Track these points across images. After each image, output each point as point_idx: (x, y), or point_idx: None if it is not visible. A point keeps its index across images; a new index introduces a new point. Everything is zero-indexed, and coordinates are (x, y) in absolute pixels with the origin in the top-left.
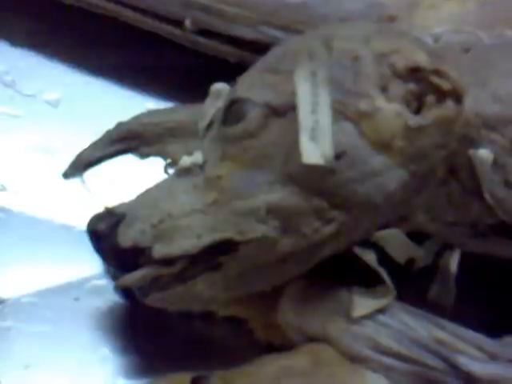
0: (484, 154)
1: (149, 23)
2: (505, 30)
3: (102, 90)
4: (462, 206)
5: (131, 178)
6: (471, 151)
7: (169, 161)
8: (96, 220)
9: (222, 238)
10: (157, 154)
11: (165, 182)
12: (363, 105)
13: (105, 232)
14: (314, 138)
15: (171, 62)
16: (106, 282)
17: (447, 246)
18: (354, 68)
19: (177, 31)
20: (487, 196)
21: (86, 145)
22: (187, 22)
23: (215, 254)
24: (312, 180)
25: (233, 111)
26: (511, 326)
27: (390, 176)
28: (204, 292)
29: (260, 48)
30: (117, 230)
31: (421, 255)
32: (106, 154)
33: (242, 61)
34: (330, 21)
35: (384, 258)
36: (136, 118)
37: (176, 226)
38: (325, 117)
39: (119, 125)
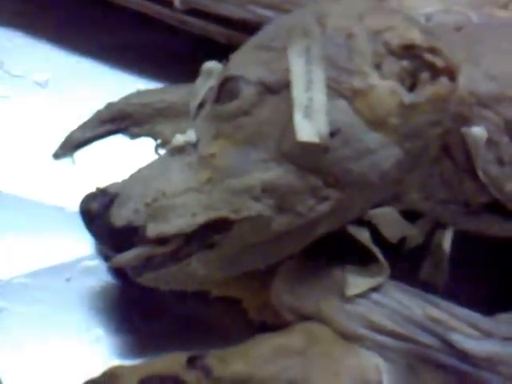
0: (477, 131)
1: (138, 3)
2: (493, 11)
3: (92, 71)
4: (455, 184)
5: (121, 159)
6: (465, 129)
7: (159, 141)
8: (89, 200)
9: (216, 217)
10: (147, 134)
11: (158, 160)
12: (357, 82)
13: (98, 211)
14: (308, 115)
15: (161, 42)
16: (98, 263)
17: (440, 225)
18: (348, 45)
19: (166, 11)
20: (480, 174)
21: (76, 125)
22: (177, 2)
23: (209, 233)
24: (306, 158)
25: (226, 89)
26: (505, 303)
27: (384, 154)
28: (198, 271)
29: (249, 27)
30: (110, 209)
31: (413, 234)
32: (96, 135)
33: (232, 40)
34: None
35: (377, 236)
36: (126, 99)
37: (170, 205)
38: (319, 94)
39: (109, 105)
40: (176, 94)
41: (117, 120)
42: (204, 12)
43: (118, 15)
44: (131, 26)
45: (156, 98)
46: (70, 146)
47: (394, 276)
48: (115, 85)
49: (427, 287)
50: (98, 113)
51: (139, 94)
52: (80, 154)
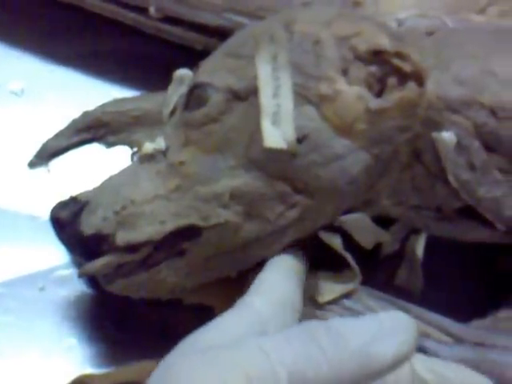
0: (447, 136)
1: (114, 11)
2: (470, 15)
3: (67, 79)
4: (426, 189)
5: (97, 168)
6: (434, 134)
7: (135, 149)
8: (59, 208)
9: (185, 224)
10: (123, 142)
11: (128, 168)
12: (324, 88)
13: (67, 219)
14: (275, 121)
15: (137, 50)
16: (72, 272)
17: (414, 231)
18: (315, 51)
19: (142, 18)
20: (451, 179)
21: (52, 134)
22: (152, 9)
23: (179, 241)
24: (275, 164)
25: (195, 96)
26: (480, 310)
27: (352, 160)
28: (168, 279)
29: (225, 35)
30: (80, 217)
31: (387, 240)
32: (72, 144)
33: (208, 48)
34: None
35: (353, 244)
36: (102, 107)
37: (139, 213)
38: (286, 100)
39: (85, 114)
40: (152, 101)
41: (92, 128)
42: (180, 19)
43: (93, 23)
44: (107, 34)
45: (132, 106)
46: (46, 154)
47: (372, 284)
48: (91, 93)
49: (403, 295)
50: (74, 121)
51: (115, 102)
52: (55, 162)
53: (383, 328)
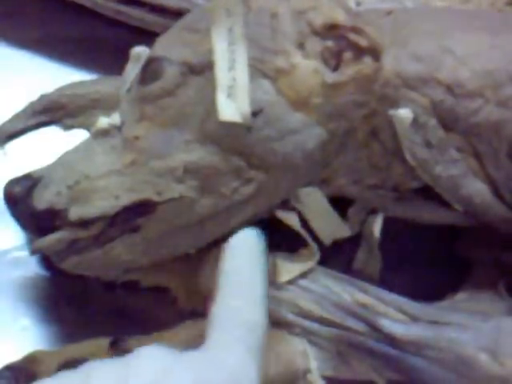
0: (404, 113)
1: None
2: (431, 0)
3: (27, 63)
4: (383, 168)
5: (55, 150)
6: (391, 111)
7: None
8: (12, 183)
9: (139, 199)
10: (81, 125)
11: (82, 144)
12: (280, 62)
13: (20, 195)
14: (231, 95)
15: (96, 33)
16: (26, 253)
17: (372, 212)
18: (272, 25)
19: (101, 1)
20: (408, 157)
21: (9, 117)
22: None
23: (133, 216)
24: (230, 138)
25: (150, 70)
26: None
27: (307, 134)
28: (122, 255)
29: None
30: (33, 192)
31: (345, 231)
32: (29, 126)
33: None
34: None
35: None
36: (59, 90)
37: (93, 188)
38: (242, 74)
39: (42, 96)
40: (111, 85)
41: (50, 111)
42: (139, 1)
43: (52, 7)
44: (66, 18)
45: (90, 89)
46: (2, 137)
47: (332, 266)
48: (50, 77)
49: (363, 277)
50: (31, 104)
51: (73, 85)
52: (12, 145)
53: None
